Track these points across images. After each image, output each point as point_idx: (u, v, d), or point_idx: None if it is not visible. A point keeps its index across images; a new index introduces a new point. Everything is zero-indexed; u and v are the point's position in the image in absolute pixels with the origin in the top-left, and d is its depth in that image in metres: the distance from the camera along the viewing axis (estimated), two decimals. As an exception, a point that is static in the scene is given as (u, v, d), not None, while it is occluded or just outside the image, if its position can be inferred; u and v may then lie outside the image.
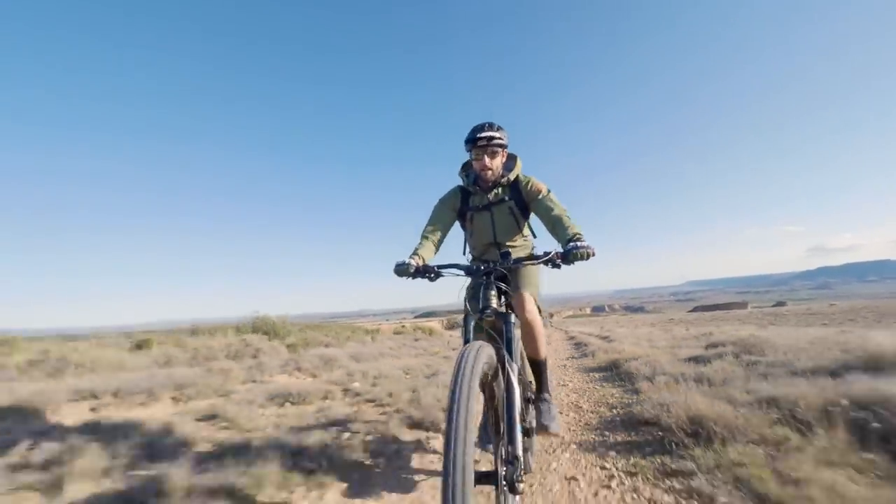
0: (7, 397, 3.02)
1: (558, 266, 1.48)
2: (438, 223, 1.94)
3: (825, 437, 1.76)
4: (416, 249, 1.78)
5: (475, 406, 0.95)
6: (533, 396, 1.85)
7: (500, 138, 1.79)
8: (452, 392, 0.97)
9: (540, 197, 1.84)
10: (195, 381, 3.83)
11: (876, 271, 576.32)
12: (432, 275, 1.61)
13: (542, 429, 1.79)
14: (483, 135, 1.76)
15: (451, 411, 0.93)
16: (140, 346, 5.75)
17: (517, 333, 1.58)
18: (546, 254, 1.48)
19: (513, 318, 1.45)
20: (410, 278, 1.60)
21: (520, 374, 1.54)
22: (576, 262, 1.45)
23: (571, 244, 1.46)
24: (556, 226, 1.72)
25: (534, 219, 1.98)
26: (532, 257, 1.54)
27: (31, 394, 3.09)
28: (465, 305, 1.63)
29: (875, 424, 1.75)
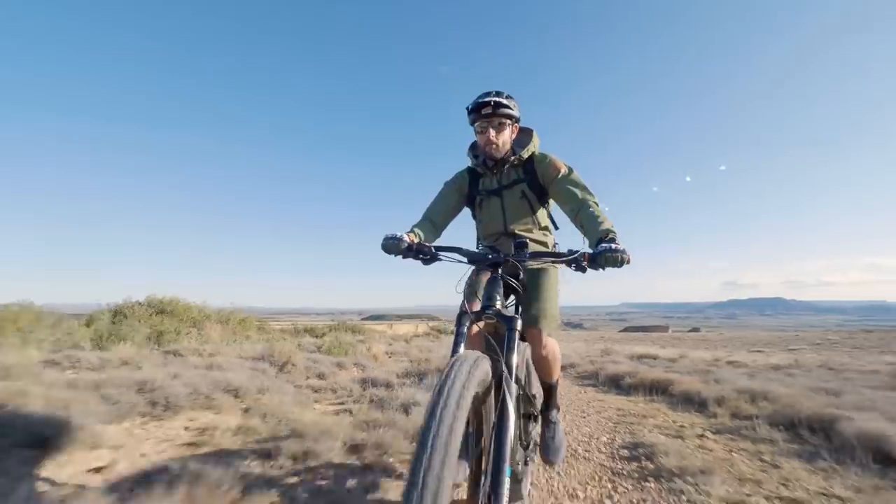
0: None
1: (583, 269, 1.20)
2: (441, 206, 1.71)
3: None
4: (414, 226, 1.56)
5: (458, 439, 0.70)
6: (537, 414, 1.59)
7: (508, 107, 1.51)
8: (429, 418, 0.71)
9: (559, 177, 1.55)
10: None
11: (772, 307, 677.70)
12: (427, 256, 1.36)
13: (545, 458, 1.60)
14: (489, 100, 1.49)
15: (423, 443, 0.68)
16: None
17: (522, 347, 1.39)
18: (571, 252, 1.20)
19: (518, 323, 1.12)
20: (400, 256, 1.36)
21: (524, 387, 1.35)
22: (606, 268, 1.17)
23: (604, 245, 1.17)
24: (581, 215, 1.43)
25: (555, 208, 1.73)
26: (552, 254, 1.32)
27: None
28: (463, 302, 1.33)
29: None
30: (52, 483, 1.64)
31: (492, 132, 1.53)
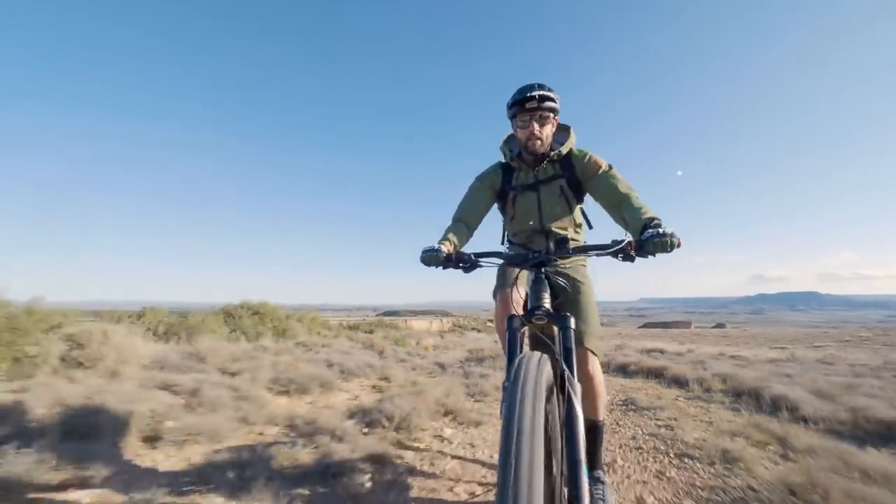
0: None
1: (632, 259, 1.14)
2: (474, 205, 1.66)
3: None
4: (447, 234, 1.49)
5: (541, 439, 0.70)
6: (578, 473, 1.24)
7: (552, 100, 1.48)
8: (509, 424, 0.72)
9: (600, 173, 1.51)
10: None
11: (804, 301, 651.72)
12: (468, 264, 1.31)
13: None
14: (534, 94, 1.45)
15: (510, 447, 0.68)
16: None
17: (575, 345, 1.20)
18: (616, 242, 1.14)
19: (572, 321, 1.10)
20: (441, 268, 1.31)
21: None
22: (657, 255, 1.11)
23: (651, 230, 1.13)
24: (622, 207, 1.40)
25: (590, 208, 1.68)
26: (597, 247, 1.19)
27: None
28: (499, 304, 1.41)
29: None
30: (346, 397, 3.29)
31: (535, 126, 1.50)
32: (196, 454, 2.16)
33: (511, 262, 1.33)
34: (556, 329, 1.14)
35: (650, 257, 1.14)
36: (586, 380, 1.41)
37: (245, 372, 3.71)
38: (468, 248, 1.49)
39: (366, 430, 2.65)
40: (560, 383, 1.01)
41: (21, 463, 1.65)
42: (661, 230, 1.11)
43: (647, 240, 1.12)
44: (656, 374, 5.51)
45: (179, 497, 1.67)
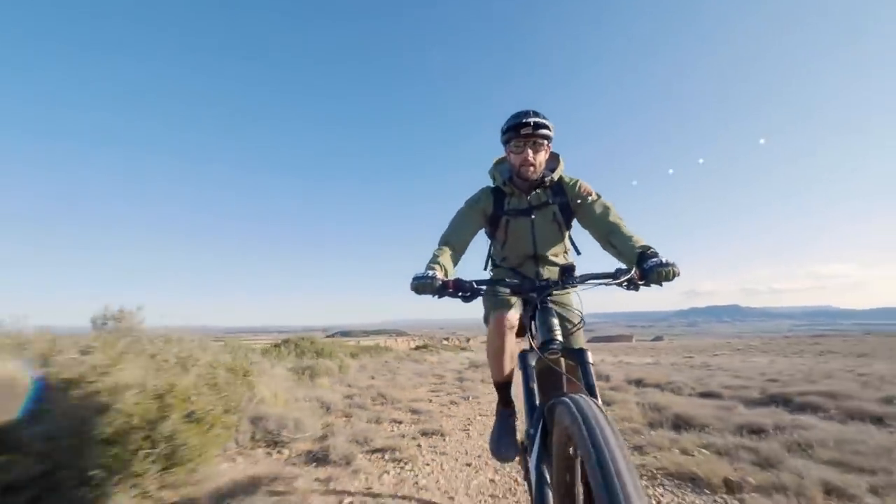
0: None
1: (636, 288, 1.19)
2: (463, 229, 1.62)
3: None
4: (437, 258, 1.42)
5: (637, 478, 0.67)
6: None
7: (547, 126, 1.52)
8: (607, 480, 0.66)
9: (590, 201, 1.57)
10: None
11: (728, 314, 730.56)
12: (468, 293, 1.24)
13: None
14: (529, 120, 1.49)
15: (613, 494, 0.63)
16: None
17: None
18: (622, 272, 1.18)
19: (589, 356, 1.10)
20: (436, 296, 1.23)
21: None
22: (662, 284, 1.16)
23: (653, 260, 1.18)
24: (613, 235, 1.45)
25: (576, 234, 1.72)
26: (603, 276, 1.21)
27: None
28: (493, 327, 1.43)
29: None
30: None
31: (529, 152, 1.53)
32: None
33: (516, 290, 1.27)
34: (566, 363, 1.15)
35: (659, 286, 1.16)
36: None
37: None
38: (466, 275, 1.32)
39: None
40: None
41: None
42: (663, 260, 1.16)
43: (651, 269, 1.16)
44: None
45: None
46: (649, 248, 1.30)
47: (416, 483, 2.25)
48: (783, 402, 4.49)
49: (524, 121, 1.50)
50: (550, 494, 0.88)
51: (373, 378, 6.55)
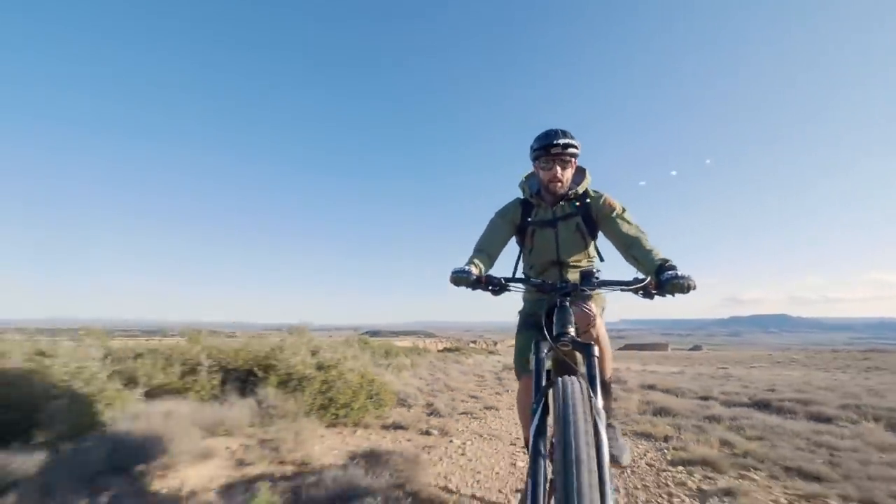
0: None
1: (651, 296, 1.35)
2: (495, 237, 1.86)
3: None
4: (473, 259, 1.68)
5: (596, 473, 0.83)
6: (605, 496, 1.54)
7: (575, 146, 1.69)
8: (565, 450, 0.83)
9: (613, 215, 1.73)
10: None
11: (775, 324, 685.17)
12: (497, 287, 1.49)
13: (613, 460, 1.57)
14: (559, 141, 1.66)
15: (570, 478, 0.80)
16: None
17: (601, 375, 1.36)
18: (638, 280, 1.34)
19: (596, 350, 1.26)
20: (470, 289, 1.48)
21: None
22: (675, 295, 1.30)
23: (670, 272, 1.32)
24: (634, 248, 1.60)
25: (601, 242, 1.88)
26: (620, 282, 1.38)
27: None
28: (522, 389, 1.64)
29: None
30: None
31: (558, 170, 1.70)
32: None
33: (539, 288, 1.46)
34: (579, 356, 1.27)
35: (672, 296, 1.30)
36: (600, 345, 1.53)
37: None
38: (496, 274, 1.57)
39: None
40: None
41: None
42: (679, 273, 1.29)
43: (667, 280, 1.29)
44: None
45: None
46: (668, 261, 1.42)
47: (490, 426, 4.13)
48: (762, 405, 5.75)
49: (554, 142, 1.66)
50: (544, 465, 0.98)
51: (431, 374, 8.34)
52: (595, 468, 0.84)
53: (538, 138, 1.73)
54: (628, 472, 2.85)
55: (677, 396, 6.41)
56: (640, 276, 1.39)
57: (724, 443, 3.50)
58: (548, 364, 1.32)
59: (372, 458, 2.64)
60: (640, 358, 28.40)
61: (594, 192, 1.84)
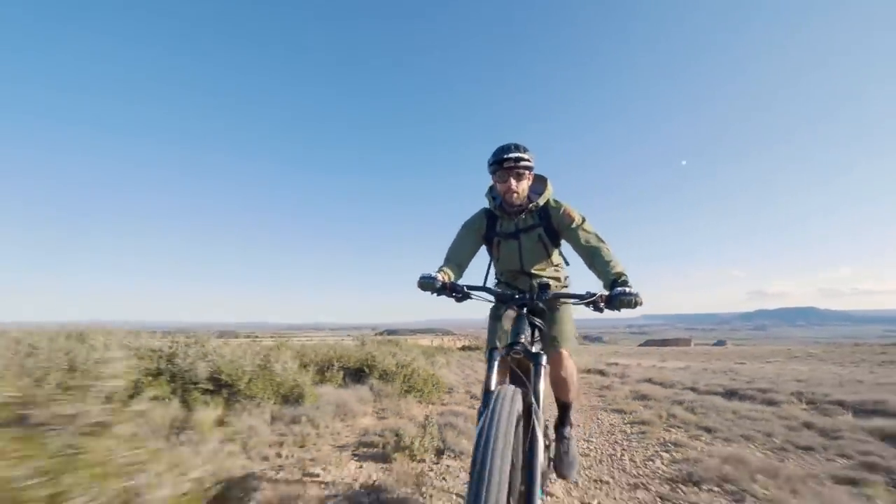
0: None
1: (601, 310, 1.44)
2: (463, 247, 1.96)
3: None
4: (442, 266, 1.81)
5: (508, 467, 0.90)
6: (552, 437, 1.80)
7: (526, 160, 1.77)
8: (483, 449, 0.91)
9: (573, 226, 1.82)
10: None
11: (803, 317, 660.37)
12: (460, 294, 1.61)
13: (560, 472, 1.76)
14: (510, 155, 1.75)
15: (484, 469, 0.88)
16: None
17: (545, 382, 1.52)
18: (589, 294, 1.45)
19: (544, 359, 1.36)
20: (435, 294, 1.60)
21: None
22: (622, 310, 1.41)
23: (619, 289, 1.43)
24: (594, 259, 1.71)
25: (566, 247, 1.98)
26: (573, 296, 1.51)
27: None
28: (493, 338, 1.74)
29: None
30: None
31: (512, 181, 1.78)
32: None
33: (499, 298, 1.60)
34: (530, 364, 1.35)
35: (618, 311, 1.42)
36: (559, 380, 1.77)
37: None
38: (462, 283, 1.68)
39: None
40: (527, 414, 1.18)
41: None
42: (627, 289, 1.41)
43: (615, 296, 1.40)
44: (601, 373, 11.42)
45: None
46: (622, 275, 1.57)
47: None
48: (730, 394, 6.52)
49: (506, 156, 1.76)
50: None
51: (461, 370, 10.14)
52: (506, 476, 0.89)
53: (493, 153, 1.82)
54: (602, 427, 4.63)
55: (664, 387, 7.51)
56: (592, 291, 1.50)
57: (671, 415, 5.11)
58: (503, 372, 1.53)
59: (451, 414, 4.50)
60: (660, 354, 28.08)
61: (555, 201, 1.92)
